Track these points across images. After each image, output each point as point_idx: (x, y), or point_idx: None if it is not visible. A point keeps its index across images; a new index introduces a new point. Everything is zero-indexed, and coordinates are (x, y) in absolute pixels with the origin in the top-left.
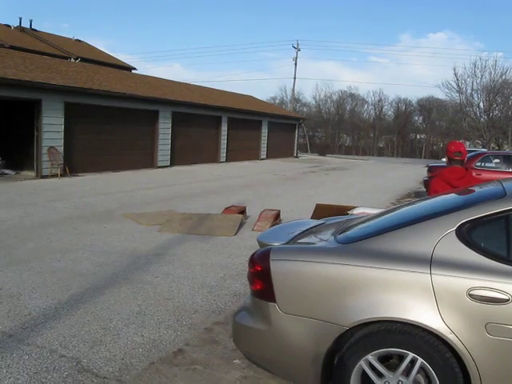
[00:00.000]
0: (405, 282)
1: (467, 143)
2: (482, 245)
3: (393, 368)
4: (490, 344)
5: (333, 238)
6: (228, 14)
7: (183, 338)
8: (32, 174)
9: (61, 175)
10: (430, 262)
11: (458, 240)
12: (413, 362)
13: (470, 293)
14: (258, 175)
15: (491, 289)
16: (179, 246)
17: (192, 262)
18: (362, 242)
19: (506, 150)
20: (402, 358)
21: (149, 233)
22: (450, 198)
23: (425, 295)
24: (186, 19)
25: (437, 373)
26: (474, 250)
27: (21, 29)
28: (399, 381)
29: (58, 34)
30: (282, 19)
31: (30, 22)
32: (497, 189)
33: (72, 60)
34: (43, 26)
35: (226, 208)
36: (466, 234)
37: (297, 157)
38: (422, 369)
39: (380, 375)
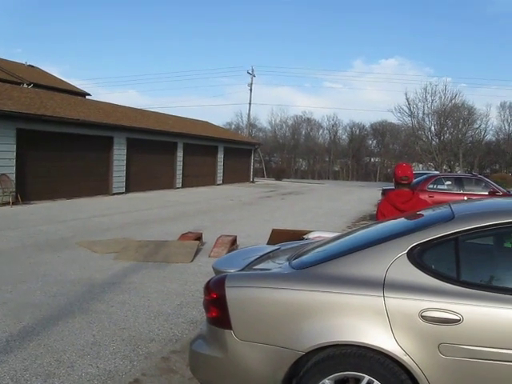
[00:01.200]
0: (359, 305)
1: (420, 166)
2: (433, 267)
3: None
4: (443, 364)
5: (287, 263)
6: (183, 40)
7: (140, 367)
8: None
9: (13, 203)
10: (383, 285)
11: (409, 263)
12: None
13: (423, 314)
14: (215, 201)
15: (443, 310)
16: (135, 274)
17: (148, 289)
18: (316, 266)
19: (458, 172)
20: (358, 381)
21: (104, 261)
22: (402, 221)
23: (379, 318)
24: (142, 45)
25: None
26: (425, 272)
27: None
28: None
29: (10, 59)
30: (237, 45)
31: None
32: (446, 212)
33: (25, 86)
34: None
35: (183, 234)
36: (417, 257)
37: (253, 182)
38: None
39: None
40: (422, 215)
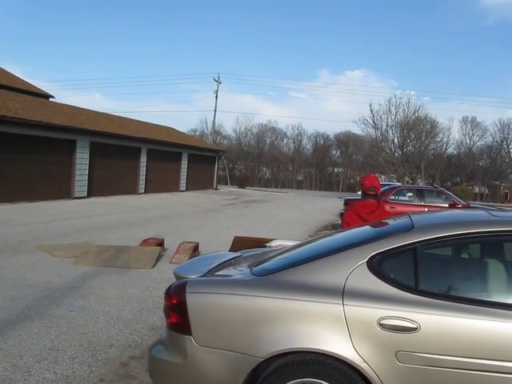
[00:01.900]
0: (318, 312)
1: (383, 177)
2: (392, 276)
3: None
4: (400, 371)
5: (249, 270)
6: (150, 46)
7: (98, 373)
8: None
9: None
10: (343, 293)
11: (369, 271)
12: None
13: (381, 322)
14: (177, 207)
15: (400, 318)
16: (95, 279)
17: (108, 295)
18: (277, 274)
19: (420, 183)
20: None
21: (64, 265)
22: (363, 230)
23: (338, 325)
24: (108, 49)
25: None
26: (384, 280)
27: None
28: None
29: None
30: (204, 52)
31: None
32: (406, 222)
33: None
34: None
35: (144, 240)
36: (376, 266)
37: (216, 189)
38: None
39: None
40: (383, 225)
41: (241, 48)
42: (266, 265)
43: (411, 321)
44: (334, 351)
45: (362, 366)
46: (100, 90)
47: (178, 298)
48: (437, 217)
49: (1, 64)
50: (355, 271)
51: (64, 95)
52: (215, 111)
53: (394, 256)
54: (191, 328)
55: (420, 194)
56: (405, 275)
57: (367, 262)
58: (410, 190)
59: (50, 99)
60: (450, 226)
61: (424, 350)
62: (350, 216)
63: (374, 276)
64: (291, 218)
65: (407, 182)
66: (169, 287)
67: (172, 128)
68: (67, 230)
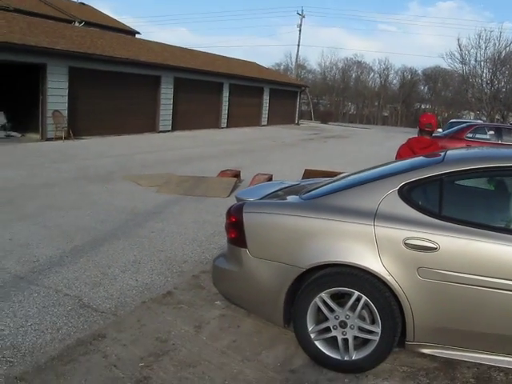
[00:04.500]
0: (353, 232)
1: (472, 114)
2: (420, 203)
3: (343, 305)
4: (420, 284)
5: (298, 195)
6: None
7: (172, 283)
8: (37, 136)
9: (65, 138)
10: (375, 216)
11: (399, 198)
12: (358, 299)
13: (406, 242)
14: (257, 141)
15: (423, 239)
16: (175, 206)
17: (185, 219)
18: (322, 198)
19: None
20: (350, 296)
21: (147, 193)
22: (402, 163)
23: (369, 243)
24: None
25: (378, 308)
26: (412, 206)
27: None
28: (347, 315)
29: None
30: None
31: None
32: (439, 156)
33: (76, 24)
34: None
35: (222, 171)
36: (406, 193)
37: (298, 124)
38: (366, 305)
39: (331, 310)
40: (419, 158)
41: None
42: (313, 191)
43: (432, 241)
44: (365, 265)
45: (388, 278)
46: (185, 25)
47: (236, 216)
48: (469, 153)
49: (89, 1)
50: (387, 197)
51: (150, 31)
52: (298, 45)
53: (422, 185)
54: (246, 242)
55: (498, 132)
56: (431, 202)
57: (398, 189)
58: (489, 128)
59: (136, 35)
60: (476, 160)
61: (441, 267)
62: (403, 149)
63: (403, 202)
64: (368, 153)
65: (497, 120)
66: (229, 207)
67: (255, 63)
68: (151, 162)
